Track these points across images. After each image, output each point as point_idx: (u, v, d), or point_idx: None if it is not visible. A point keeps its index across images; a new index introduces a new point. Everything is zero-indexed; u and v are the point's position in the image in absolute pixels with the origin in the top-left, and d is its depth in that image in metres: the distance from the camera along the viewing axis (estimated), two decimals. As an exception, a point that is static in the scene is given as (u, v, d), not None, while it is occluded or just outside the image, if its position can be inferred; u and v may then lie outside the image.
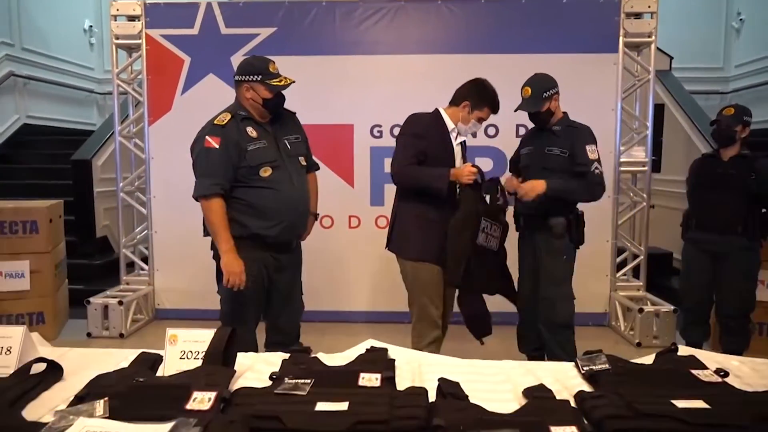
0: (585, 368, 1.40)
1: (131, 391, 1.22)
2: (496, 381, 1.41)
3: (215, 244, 2.50)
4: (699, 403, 1.18)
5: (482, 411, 1.16)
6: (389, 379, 1.32)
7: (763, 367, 1.48)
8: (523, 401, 1.26)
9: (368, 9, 4.23)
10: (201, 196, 2.46)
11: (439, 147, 2.76)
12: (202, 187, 2.46)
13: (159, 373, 1.38)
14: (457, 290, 2.84)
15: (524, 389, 1.30)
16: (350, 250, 4.33)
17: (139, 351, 1.50)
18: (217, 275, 2.55)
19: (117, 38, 4.40)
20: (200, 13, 4.26)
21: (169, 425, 1.03)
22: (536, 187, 2.80)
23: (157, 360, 1.44)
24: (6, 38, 6.47)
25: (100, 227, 5.38)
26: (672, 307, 3.97)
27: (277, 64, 2.56)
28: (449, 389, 1.25)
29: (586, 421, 1.14)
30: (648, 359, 1.51)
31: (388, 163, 2.96)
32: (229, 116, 2.49)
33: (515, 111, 2.96)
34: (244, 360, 1.47)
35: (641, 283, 4.41)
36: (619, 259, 4.46)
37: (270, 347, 2.66)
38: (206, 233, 2.56)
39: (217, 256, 2.52)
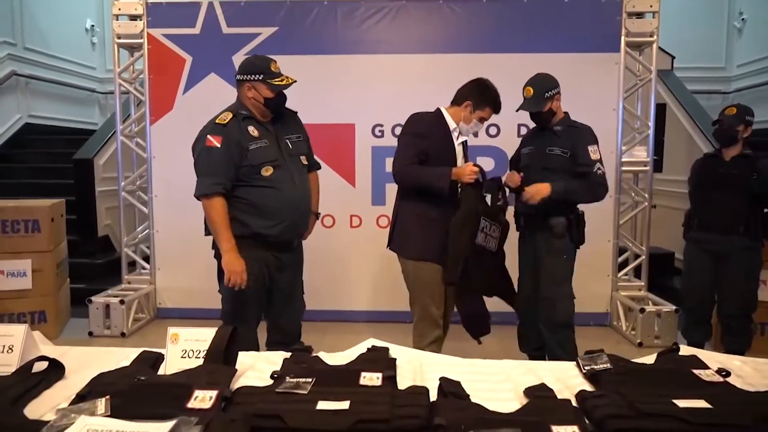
0: (586, 368, 1.40)
1: (133, 389, 1.22)
2: (497, 380, 1.41)
3: (216, 243, 2.50)
4: (701, 403, 1.18)
5: (483, 410, 1.16)
6: (390, 378, 1.32)
7: (765, 367, 1.47)
8: (524, 401, 1.26)
9: (370, 8, 4.23)
10: (202, 195, 2.46)
11: (441, 146, 2.76)
12: (204, 186, 2.46)
13: (160, 372, 1.38)
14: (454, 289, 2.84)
15: (525, 389, 1.30)
16: (351, 250, 4.33)
17: (141, 350, 1.50)
18: (219, 274, 2.55)
19: (119, 38, 4.41)
20: (202, 13, 4.26)
21: (171, 424, 1.03)
22: (541, 190, 2.80)
23: (159, 359, 1.44)
24: (8, 37, 6.48)
25: (102, 226, 5.38)
26: (673, 307, 3.97)
27: (278, 63, 2.56)
28: (450, 388, 1.25)
29: (587, 421, 1.14)
30: (649, 359, 1.51)
31: (389, 162, 2.95)
32: (230, 115, 2.49)
33: (517, 111, 2.95)
34: (245, 359, 1.47)
35: (643, 283, 4.41)
36: (620, 259, 4.46)
37: (271, 346, 2.66)
38: (207, 232, 2.56)
39: (218, 255, 2.52)
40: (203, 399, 1.16)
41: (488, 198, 2.80)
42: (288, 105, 2.64)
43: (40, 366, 1.37)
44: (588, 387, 1.34)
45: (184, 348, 1.40)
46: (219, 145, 2.43)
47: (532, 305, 3.01)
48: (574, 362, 1.48)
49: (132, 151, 4.62)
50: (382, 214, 4.24)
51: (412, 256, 2.79)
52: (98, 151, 5.31)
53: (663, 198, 5.16)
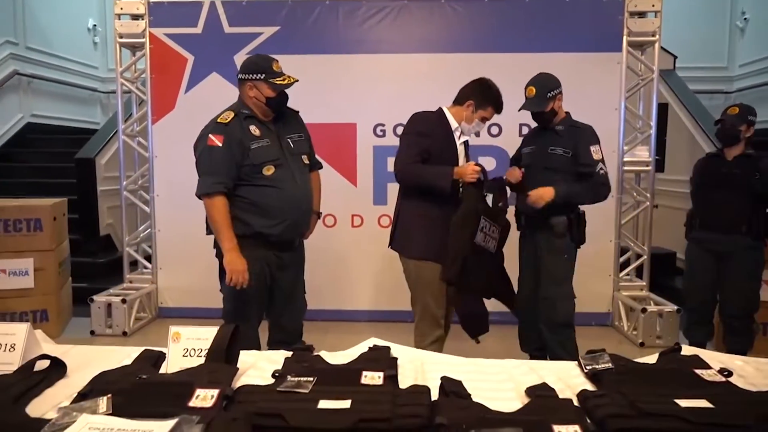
0: (588, 367, 1.40)
1: (134, 388, 1.22)
2: (499, 380, 1.40)
3: (218, 242, 2.50)
4: (702, 403, 1.17)
5: (485, 409, 1.16)
6: (392, 378, 1.31)
7: (767, 367, 1.47)
8: (526, 400, 1.26)
9: (371, 8, 4.23)
10: (204, 195, 2.46)
11: (443, 146, 2.76)
12: (205, 185, 2.46)
13: (162, 371, 1.38)
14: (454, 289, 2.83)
15: (527, 388, 1.30)
16: (353, 249, 4.33)
17: (142, 348, 1.51)
18: (220, 274, 2.54)
19: (121, 37, 4.41)
20: (204, 12, 4.27)
21: (172, 422, 1.03)
22: (544, 195, 2.81)
23: (160, 357, 1.44)
24: (10, 37, 6.48)
25: (104, 226, 5.39)
26: (675, 307, 3.96)
27: (280, 62, 2.56)
28: (452, 388, 1.25)
29: (588, 420, 1.14)
30: (651, 359, 1.51)
31: (391, 162, 2.95)
32: (232, 114, 2.50)
33: (519, 110, 2.95)
34: (246, 358, 1.47)
35: (644, 283, 4.41)
36: (622, 259, 4.46)
37: (273, 346, 2.66)
38: (209, 231, 2.56)
39: (220, 255, 2.52)
40: (205, 398, 1.16)
41: (490, 199, 2.80)
42: (290, 104, 2.64)
43: (42, 364, 1.37)
44: (589, 386, 1.33)
45: (186, 347, 1.40)
46: (221, 145, 2.43)
47: (532, 305, 3.01)
48: (576, 362, 1.47)
49: (134, 151, 4.63)
50: (384, 214, 4.24)
51: (413, 256, 2.79)
52: (100, 151, 5.31)
53: (665, 198, 5.15)
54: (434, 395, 1.23)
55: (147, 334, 4.22)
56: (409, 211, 2.81)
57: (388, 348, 1.52)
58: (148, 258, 4.61)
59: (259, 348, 2.41)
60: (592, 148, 2.87)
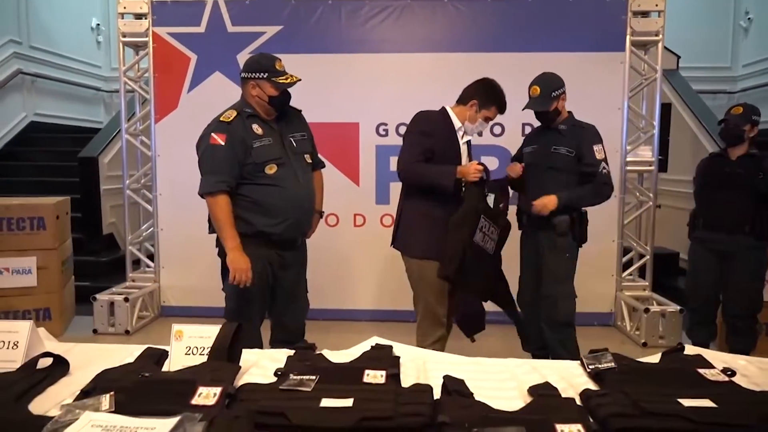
0: (590, 366, 1.40)
1: (137, 386, 1.22)
2: (501, 379, 1.40)
3: (221, 241, 2.50)
4: (705, 402, 1.17)
5: (487, 408, 1.16)
6: (394, 376, 1.31)
7: (770, 367, 1.47)
8: (528, 399, 1.26)
9: (374, 7, 4.23)
10: (206, 193, 2.46)
11: (446, 145, 2.75)
12: (208, 184, 2.46)
13: (164, 369, 1.39)
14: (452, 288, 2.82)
15: (529, 387, 1.29)
16: (355, 249, 4.33)
17: (145, 346, 1.51)
18: (223, 272, 2.55)
19: (124, 36, 4.42)
20: (207, 11, 4.27)
21: (175, 420, 1.03)
22: (548, 204, 2.82)
23: (163, 355, 1.44)
24: (14, 36, 6.50)
25: (107, 224, 5.40)
26: (678, 307, 3.95)
27: (283, 62, 2.56)
28: (454, 386, 1.25)
29: (591, 420, 1.14)
30: (654, 358, 1.51)
31: (393, 161, 2.95)
32: (235, 113, 2.50)
33: (523, 110, 2.95)
34: (249, 356, 1.47)
35: (647, 283, 4.40)
36: (625, 259, 4.45)
37: (275, 345, 2.65)
38: (211, 230, 2.56)
39: (222, 253, 2.52)
40: (207, 396, 1.16)
41: (491, 199, 2.80)
42: (292, 103, 2.64)
43: (45, 362, 1.37)
44: (592, 386, 1.33)
45: (189, 345, 1.40)
46: (223, 143, 2.43)
47: (533, 303, 3.01)
48: (579, 361, 1.47)
49: (137, 150, 4.63)
50: (386, 213, 4.24)
51: (415, 255, 2.79)
52: (103, 150, 5.32)
53: (668, 198, 5.14)
54: (437, 394, 1.23)
55: (149, 332, 4.22)
56: (412, 211, 2.81)
57: (391, 347, 1.52)
58: (151, 257, 4.62)
59: (261, 347, 2.40)
60: (595, 148, 2.88)
